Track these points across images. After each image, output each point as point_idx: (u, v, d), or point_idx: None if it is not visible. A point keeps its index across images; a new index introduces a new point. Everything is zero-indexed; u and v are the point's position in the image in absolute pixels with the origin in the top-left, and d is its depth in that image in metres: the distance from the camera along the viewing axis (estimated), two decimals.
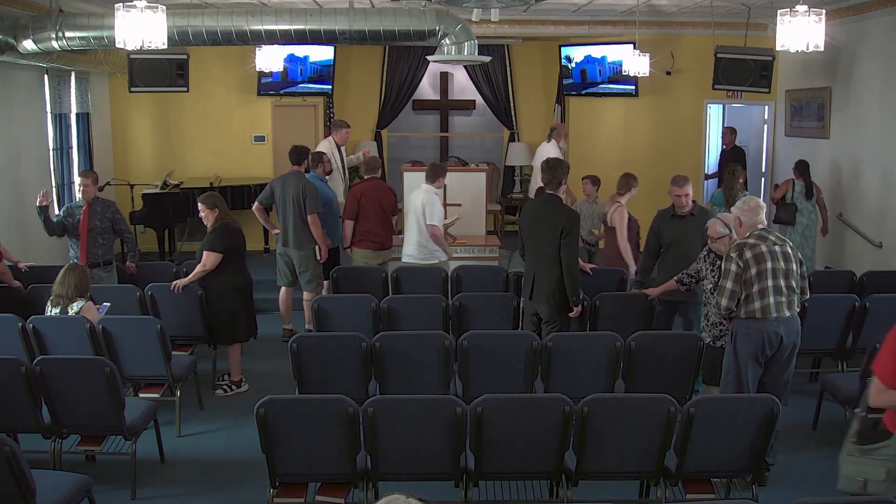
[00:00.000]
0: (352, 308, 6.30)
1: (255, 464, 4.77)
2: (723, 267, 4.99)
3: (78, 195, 7.20)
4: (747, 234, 4.98)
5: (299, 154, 7.82)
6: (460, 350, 5.28)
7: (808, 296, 5.16)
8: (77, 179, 7.29)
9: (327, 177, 8.57)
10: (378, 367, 5.33)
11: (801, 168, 8.93)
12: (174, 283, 6.57)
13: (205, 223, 6.63)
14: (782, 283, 4.87)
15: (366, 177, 8.01)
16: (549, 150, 10.12)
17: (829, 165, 9.59)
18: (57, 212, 7.74)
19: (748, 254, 4.87)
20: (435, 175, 7.56)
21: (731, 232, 5.31)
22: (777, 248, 4.91)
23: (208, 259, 6.47)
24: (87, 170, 7.60)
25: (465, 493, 4.39)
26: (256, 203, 7.91)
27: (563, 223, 5.81)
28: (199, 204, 6.61)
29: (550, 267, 5.88)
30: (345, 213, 7.87)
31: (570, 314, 5.94)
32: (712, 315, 5.49)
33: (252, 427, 4.34)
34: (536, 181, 10.17)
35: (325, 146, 9.04)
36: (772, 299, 4.85)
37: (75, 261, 6.78)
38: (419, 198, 7.51)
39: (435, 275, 7.23)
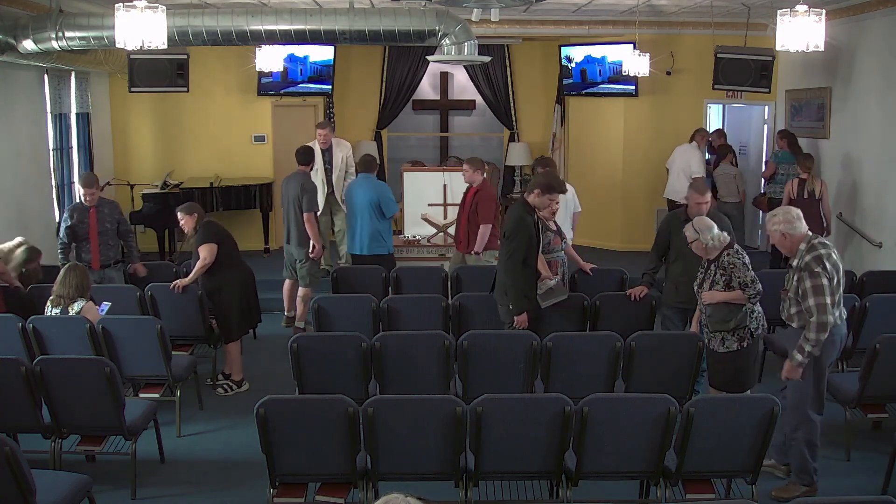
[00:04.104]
0: (352, 308, 6.30)
1: (255, 464, 4.77)
2: (809, 284, 4.70)
3: (78, 198, 7.24)
4: (811, 245, 4.79)
5: (306, 155, 7.94)
6: (460, 350, 5.28)
7: None
8: (80, 189, 7.28)
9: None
10: (378, 367, 5.33)
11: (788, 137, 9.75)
12: (175, 282, 6.60)
13: (185, 230, 6.78)
14: (841, 288, 4.90)
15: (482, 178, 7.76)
16: (690, 151, 10.07)
17: (828, 165, 9.59)
18: (62, 216, 7.74)
19: (828, 264, 4.75)
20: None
21: (699, 236, 5.27)
22: (835, 255, 4.86)
23: (205, 252, 6.52)
24: (88, 173, 7.59)
25: (465, 493, 4.39)
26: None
27: (507, 227, 5.81)
28: (178, 213, 6.73)
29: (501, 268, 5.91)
30: (493, 219, 7.64)
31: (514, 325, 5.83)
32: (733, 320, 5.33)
33: (252, 427, 4.34)
34: (676, 182, 10.06)
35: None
36: (841, 305, 4.87)
37: (76, 261, 6.79)
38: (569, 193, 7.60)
39: (435, 275, 7.23)
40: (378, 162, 8.08)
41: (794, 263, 4.84)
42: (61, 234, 7.23)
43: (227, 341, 6.75)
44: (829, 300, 4.69)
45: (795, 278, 4.80)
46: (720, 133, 11.09)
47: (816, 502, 4.47)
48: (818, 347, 4.73)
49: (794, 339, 4.91)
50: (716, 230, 5.26)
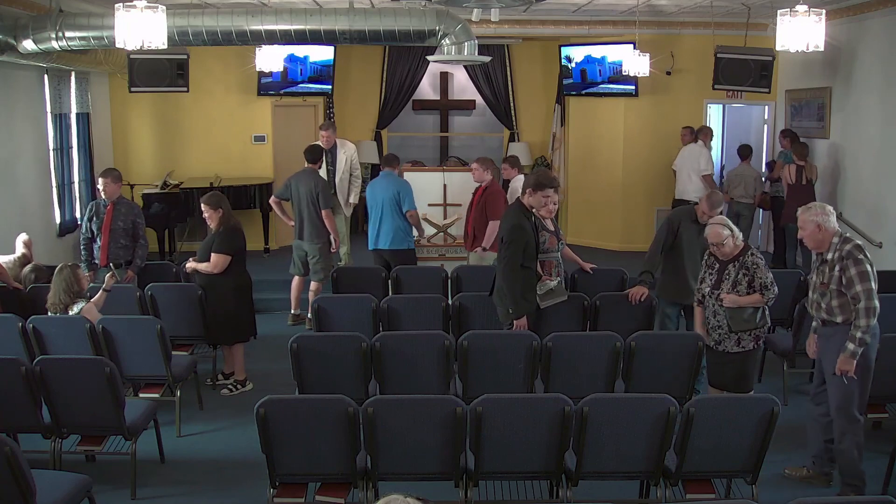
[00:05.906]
0: (352, 308, 6.30)
1: (255, 464, 4.77)
2: (855, 271, 4.66)
3: (101, 195, 7.27)
4: (845, 238, 4.79)
5: (314, 153, 8.24)
6: (460, 350, 5.27)
7: None
8: (99, 181, 7.31)
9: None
10: (378, 367, 5.33)
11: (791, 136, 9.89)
12: (187, 264, 6.68)
13: (208, 223, 6.65)
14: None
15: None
16: (698, 150, 10.09)
17: (828, 165, 9.60)
18: (80, 214, 7.75)
19: (868, 254, 4.74)
20: None
21: (733, 232, 5.29)
22: None
23: (218, 261, 6.47)
24: (108, 168, 7.60)
25: (465, 493, 4.39)
26: (273, 196, 8.50)
27: (504, 232, 5.80)
28: (202, 205, 6.61)
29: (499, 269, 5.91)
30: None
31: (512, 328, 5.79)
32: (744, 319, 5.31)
33: (252, 427, 4.34)
34: (687, 182, 10.11)
35: None
36: None
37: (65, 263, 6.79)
38: None
39: (435, 275, 7.23)
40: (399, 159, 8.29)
41: (829, 257, 4.80)
42: (82, 229, 7.32)
43: (216, 343, 6.78)
44: (874, 286, 4.65)
45: (837, 269, 4.74)
46: (690, 131, 10.94)
47: (816, 502, 4.47)
48: (869, 334, 4.66)
49: (831, 337, 4.84)
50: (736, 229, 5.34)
